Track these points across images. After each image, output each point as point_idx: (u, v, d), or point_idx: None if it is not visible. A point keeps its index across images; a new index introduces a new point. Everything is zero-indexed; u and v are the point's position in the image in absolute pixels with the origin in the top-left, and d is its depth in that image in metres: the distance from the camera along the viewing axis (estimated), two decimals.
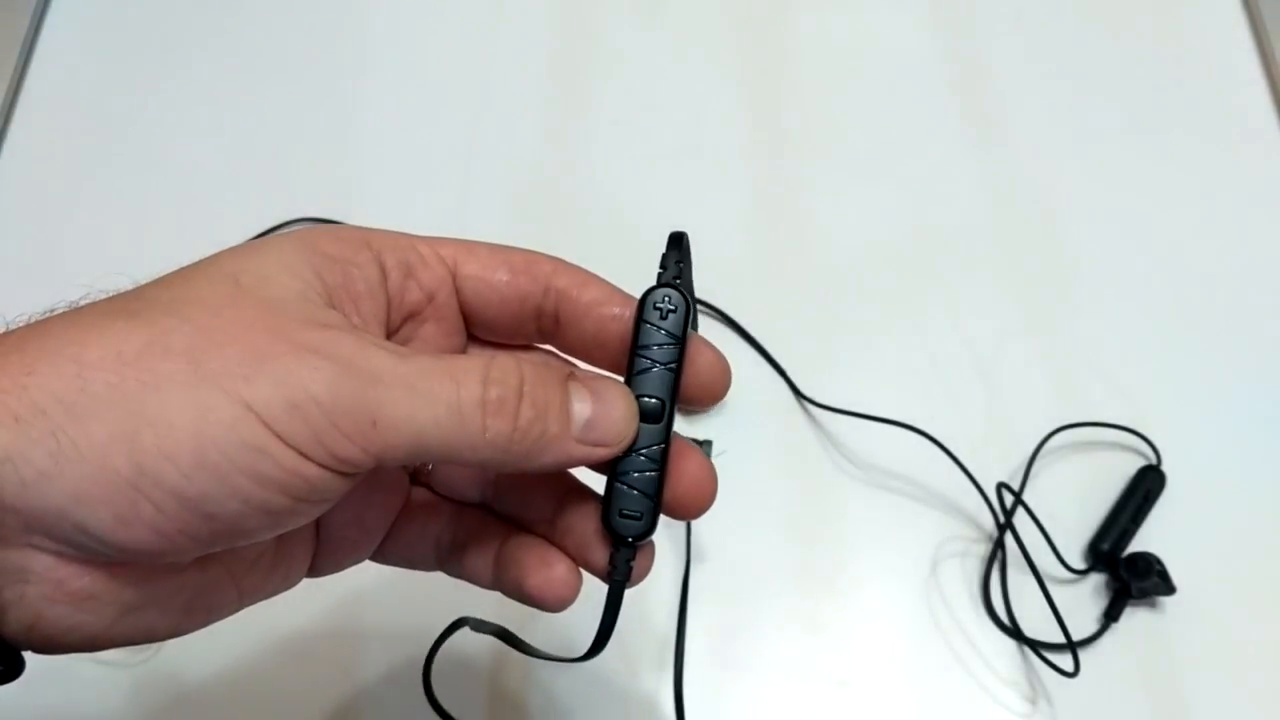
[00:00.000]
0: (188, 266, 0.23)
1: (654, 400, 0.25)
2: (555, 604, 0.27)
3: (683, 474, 0.26)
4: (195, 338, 0.20)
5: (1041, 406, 0.50)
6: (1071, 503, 0.49)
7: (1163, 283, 0.54)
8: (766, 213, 0.57)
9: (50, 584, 0.20)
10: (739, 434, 0.50)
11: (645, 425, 0.25)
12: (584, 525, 0.27)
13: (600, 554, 0.26)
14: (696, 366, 0.26)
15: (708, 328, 0.53)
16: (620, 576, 0.26)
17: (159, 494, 0.19)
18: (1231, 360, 0.52)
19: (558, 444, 0.23)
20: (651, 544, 0.26)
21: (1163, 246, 0.55)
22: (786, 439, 0.50)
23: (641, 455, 0.25)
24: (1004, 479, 0.48)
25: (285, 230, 0.51)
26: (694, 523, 0.47)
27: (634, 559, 0.26)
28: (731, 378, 0.27)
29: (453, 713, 0.41)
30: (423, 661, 0.37)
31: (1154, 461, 0.49)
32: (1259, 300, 0.54)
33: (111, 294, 0.22)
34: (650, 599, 0.46)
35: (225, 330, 0.21)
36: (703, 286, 0.52)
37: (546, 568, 0.27)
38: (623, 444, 0.24)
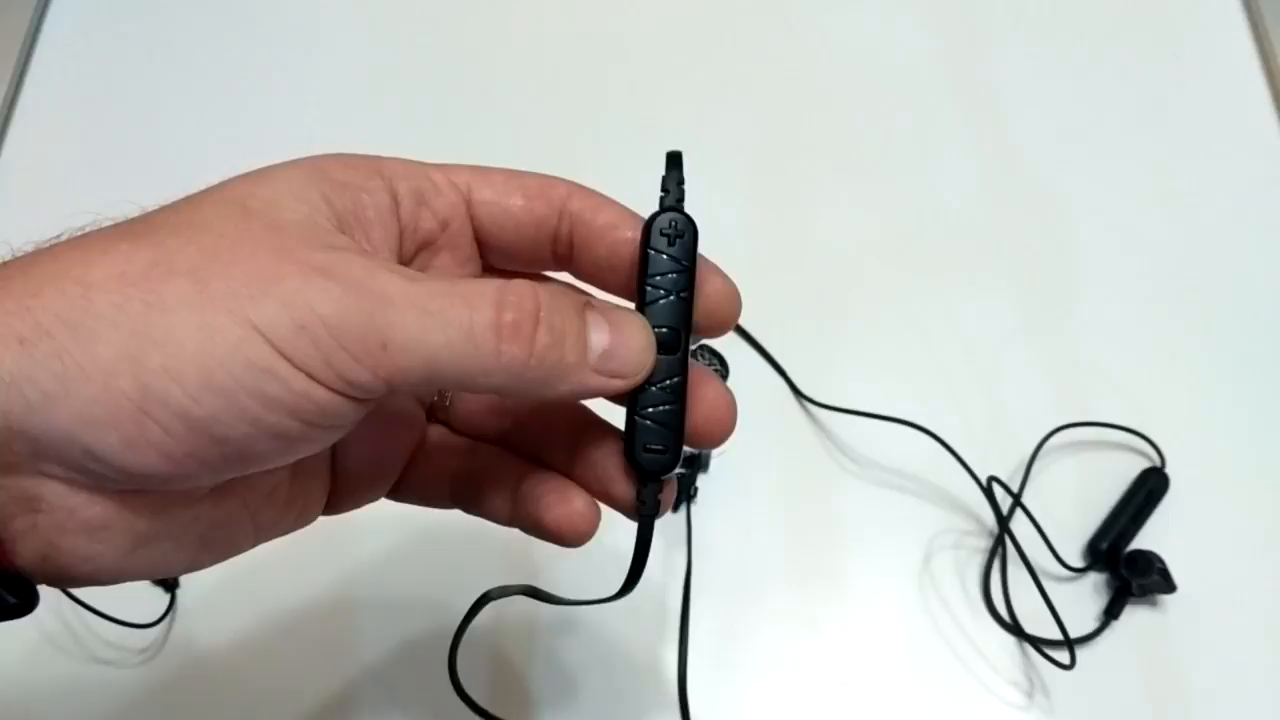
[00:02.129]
0: (195, 193, 0.23)
1: (668, 330, 0.24)
2: (575, 538, 0.27)
3: (701, 403, 0.25)
4: (200, 259, 0.20)
5: (1043, 406, 0.50)
6: (1072, 502, 0.48)
7: (1164, 283, 0.54)
8: (766, 212, 0.57)
9: (62, 513, 0.20)
10: (739, 434, 0.49)
11: (661, 356, 0.24)
12: (605, 460, 0.26)
13: (622, 488, 0.26)
14: (705, 296, 0.25)
15: None
16: (649, 511, 0.26)
17: (166, 416, 0.19)
18: (1234, 362, 0.52)
19: (574, 373, 0.23)
20: (673, 476, 0.26)
21: (1164, 246, 0.55)
22: (786, 439, 0.50)
23: (659, 388, 0.24)
24: (1004, 477, 0.48)
25: None
26: (695, 522, 0.47)
27: (661, 492, 0.26)
28: (741, 305, 0.26)
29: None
30: (447, 648, 0.36)
31: (1157, 464, 0.49)
32: (1262, 301, 0.54)
33: (118, 221, 0.22)
34: (653, 599, 0.46)
35: (231, 251, 0.20)
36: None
37: (566, 503, 0.27)
38: (640, 376, 0.24)
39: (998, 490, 0.47)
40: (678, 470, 0.26)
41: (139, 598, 0.45)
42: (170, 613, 0.45)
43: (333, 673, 0.45)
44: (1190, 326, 0.53)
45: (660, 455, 0.25)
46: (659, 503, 0.26)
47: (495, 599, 0.29)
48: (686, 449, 0.26)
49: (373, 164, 0.24)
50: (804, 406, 0.51)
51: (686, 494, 0.47)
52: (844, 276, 0.55)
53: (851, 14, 0.63)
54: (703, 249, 0.25)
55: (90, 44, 0.63)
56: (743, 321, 0.52)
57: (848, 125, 0.59)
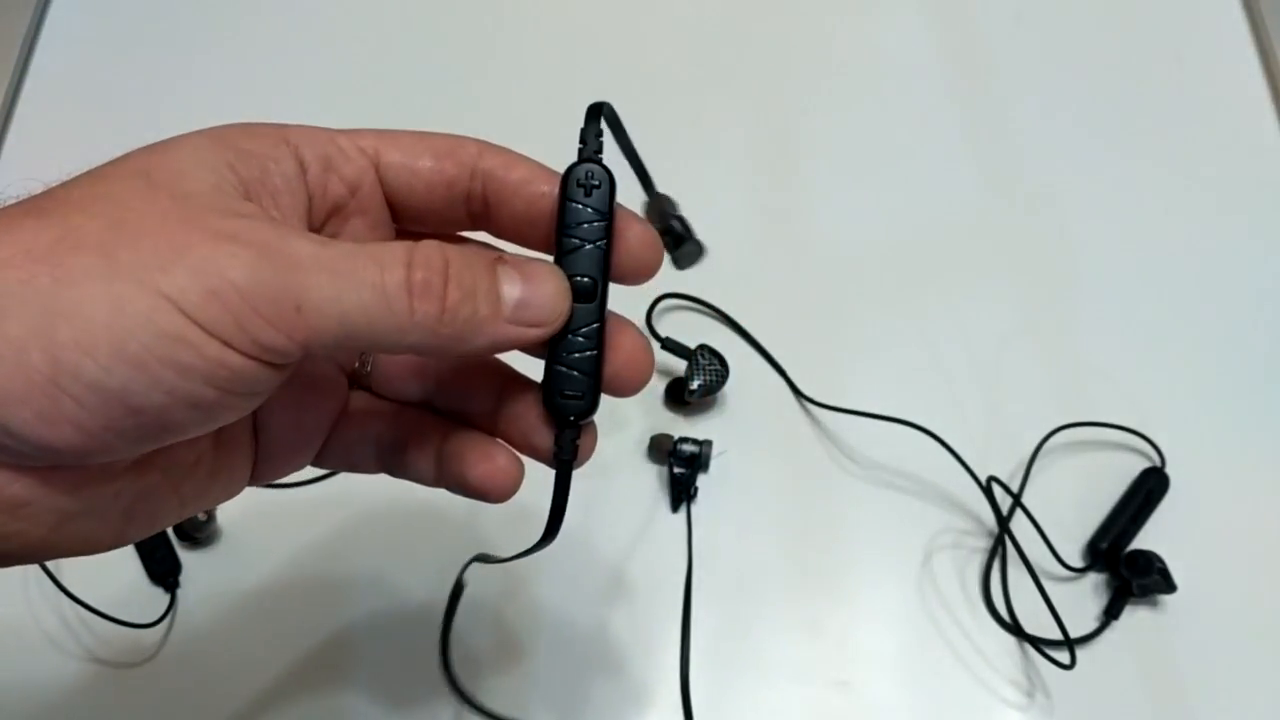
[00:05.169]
0: (97, 167, 0.23)
1: (586, 279, 0.25)
2: (498, 494, 0.27)
3: (619, 350, 0.25)
4: (107, 232, 0.20)
5: (1043, 406, 0.50)
6: (1073, 502, 0.49)
7: (1164, 283, 0.54)
8: (767, 213, 0.57)
9: None
10: (739, 434, 0.50)
11: (579, 305, 0.25)
12: (527, 412, 0.27)
13: (544, 438, 0.26)
14: (626, 242, 0.25)
15: (707, 326, 0.53)
16: (566, 456, 0.26)
17: (79, 389, 0.19)
18: (1235, 362, 0.52)
19: (489, 325, 0.23)
20: (594, 423, 0.26)
21: (1164, 246, 0.55)
22: (786, 439, 0.50)
23: (578, 335, 0.25)
24: (1004, 478, 0.48)
25: None
26: (696, 522, 0.47)
27: (579, 438, 0.26)
28: (663, 252, 0.26)
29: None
30: (437, 644, 0.36)
31: (1157, 463, 0.49)
32: (1262, 300, 0.54)
33: (21, 199, 0.22)
34: (653, 599, 0.46)
35: (138, 223, 0.20)
36: (703, 286, 0.53)
37: (489, 459, 0.27)
38: (556, 323, 0.24)
39: (998, 490, 0.47)
40: (595, 417, 0.26)
41: (139, 598, 0.45)
42: (170, 613, 0.45)
43: (332, 672, 0.45)
44: (1190, 327, 0.53)
45: (577, 401, 0.25)
46: (577, 448, 0.26)
47: (462, 577, 0.29)
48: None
49: (278, 132, 0.24)
50: (804, 406, 0.51)
51: (686, 494, 0.47)
52: (844, 277, 0.55)
53: (853, 15, 0.63)
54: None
55: (90, 44, 0.63)
56: (742, 321, 0.52)
57: (848, 125, 0.59)
